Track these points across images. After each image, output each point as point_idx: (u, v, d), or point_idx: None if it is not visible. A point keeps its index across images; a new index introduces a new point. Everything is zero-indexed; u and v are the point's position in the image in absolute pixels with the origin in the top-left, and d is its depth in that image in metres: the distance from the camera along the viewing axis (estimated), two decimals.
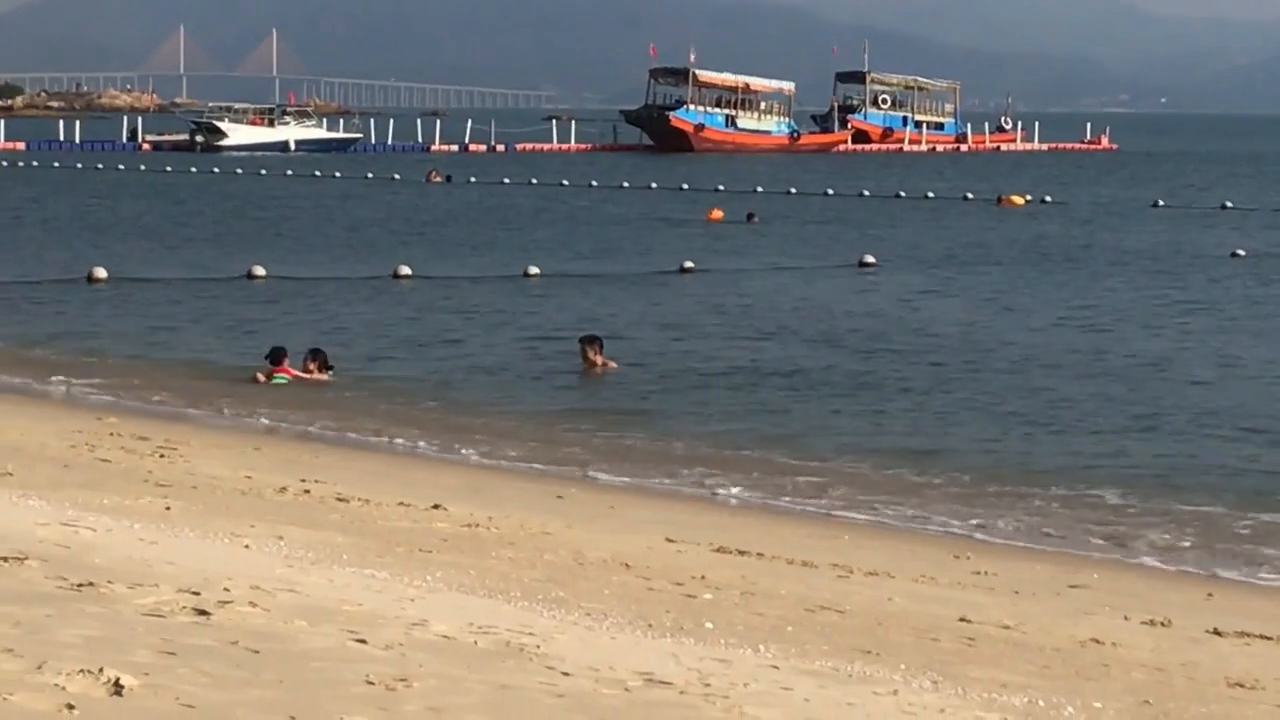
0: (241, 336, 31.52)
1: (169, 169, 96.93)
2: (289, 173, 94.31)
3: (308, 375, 26.45)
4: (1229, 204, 75.67)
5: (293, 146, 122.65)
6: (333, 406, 24.72)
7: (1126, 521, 18.20)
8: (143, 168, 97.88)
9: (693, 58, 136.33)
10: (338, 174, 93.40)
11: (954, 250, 53.11)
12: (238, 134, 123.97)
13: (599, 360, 27.85)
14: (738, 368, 28.69)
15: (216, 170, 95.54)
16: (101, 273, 40.56)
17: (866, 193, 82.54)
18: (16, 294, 37.90)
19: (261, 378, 26.37)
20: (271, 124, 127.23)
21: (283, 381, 26.18)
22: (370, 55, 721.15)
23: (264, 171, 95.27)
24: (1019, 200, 76.41)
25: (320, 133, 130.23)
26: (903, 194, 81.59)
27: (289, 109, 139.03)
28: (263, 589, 10.81)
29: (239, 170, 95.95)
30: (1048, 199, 78.83)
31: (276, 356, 26.65)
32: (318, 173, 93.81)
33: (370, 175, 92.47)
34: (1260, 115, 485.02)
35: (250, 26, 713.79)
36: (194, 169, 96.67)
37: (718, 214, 64.49)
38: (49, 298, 37.53)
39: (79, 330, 32.69)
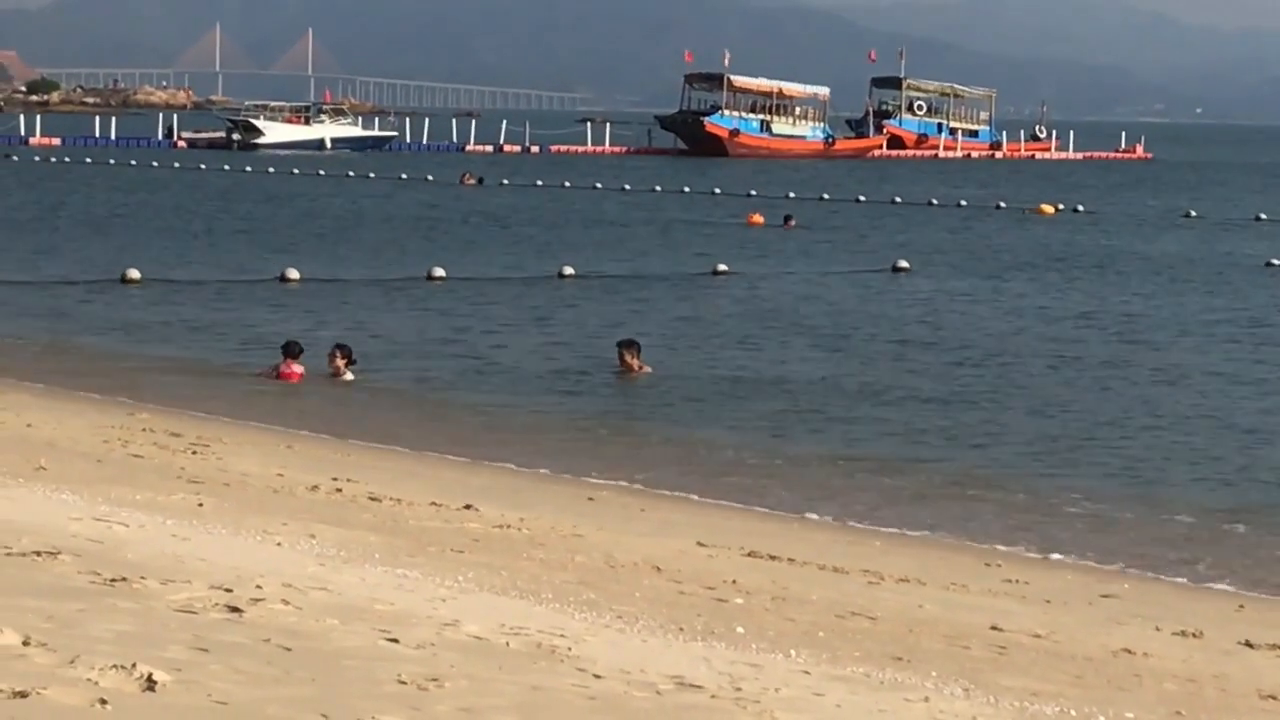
0: (273, 338, 31.52)
1: (203, 166, 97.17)
2: (321, 172, 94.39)
3: (332, 370, 26.42)
4: (1263, 215, 75.36)
5: (329, 144, 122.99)
6: (363, 405, 24.73)
7: (1157, 532, 18.13)
8: (177, 165, 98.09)
9: (727, 62, 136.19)
10: (371, 174, 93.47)
11: (984, 256, 53.08)
12: (274, 132, 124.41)
13: (636, 364, 27.85)
14: (771, 372, 28.65)
15: (249, 169, 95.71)
16: (135, 273, 40.65)
17: (899, 199, 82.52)
18: (52, 293, 38.01)
19: (273, 375, 26.40)
20: (308, 122, 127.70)
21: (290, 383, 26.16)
22: (405, 55, 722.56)
23: (296, 170, 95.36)
24: (1049, 209, 76.41)
25: (356, 130, 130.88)
26: (935, 201, 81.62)
27: (325, 107, 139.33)
28: (295, 587, 10.83)
29: (271, 169, 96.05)
30: (1079, 208, 78.70)
31: (290, 350, 26.61)
32: (351, 173, 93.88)
33: (404, 176, 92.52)
34: None
35: (286, 25, 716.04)
36: (227, 166, 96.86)
37: (758, 218, 64.74)
38: (84, 297, 37.62)
39: (113, 329, 32.78)
